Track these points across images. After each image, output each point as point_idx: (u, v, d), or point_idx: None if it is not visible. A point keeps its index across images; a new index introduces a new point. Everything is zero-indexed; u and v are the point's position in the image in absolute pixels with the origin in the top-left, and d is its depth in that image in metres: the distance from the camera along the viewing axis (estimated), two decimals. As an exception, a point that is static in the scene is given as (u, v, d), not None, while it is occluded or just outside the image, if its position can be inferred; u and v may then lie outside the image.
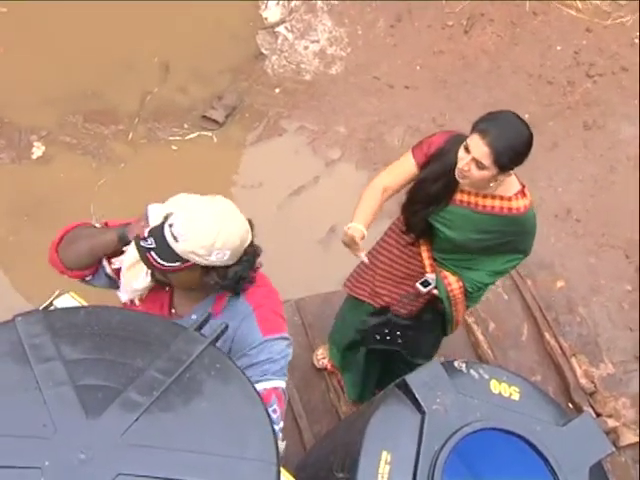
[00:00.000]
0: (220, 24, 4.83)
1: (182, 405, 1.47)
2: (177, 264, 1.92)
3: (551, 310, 3.80)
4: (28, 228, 4.02)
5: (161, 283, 2.07)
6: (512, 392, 2.37)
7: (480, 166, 2.43)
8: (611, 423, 3.47)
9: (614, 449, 2.41)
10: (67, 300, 1.83)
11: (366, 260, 2.68)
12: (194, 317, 2.07)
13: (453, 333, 3.15)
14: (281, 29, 4.95)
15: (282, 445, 2.05)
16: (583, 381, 3.59)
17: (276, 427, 2.06)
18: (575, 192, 4.50)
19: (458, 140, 2.55)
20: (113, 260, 2.11)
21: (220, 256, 1.93)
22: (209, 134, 4.49)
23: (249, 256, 2.03)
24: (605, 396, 3.57)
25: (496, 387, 2.37)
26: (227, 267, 1.98)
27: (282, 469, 1.50)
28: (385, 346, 3.02)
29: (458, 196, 2.64)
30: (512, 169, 2.50)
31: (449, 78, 4.86)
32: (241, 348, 2.06)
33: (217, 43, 4.78)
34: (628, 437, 3.49)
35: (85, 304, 1.87)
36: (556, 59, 5.03)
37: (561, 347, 3.68)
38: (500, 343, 3.70)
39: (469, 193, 2.61)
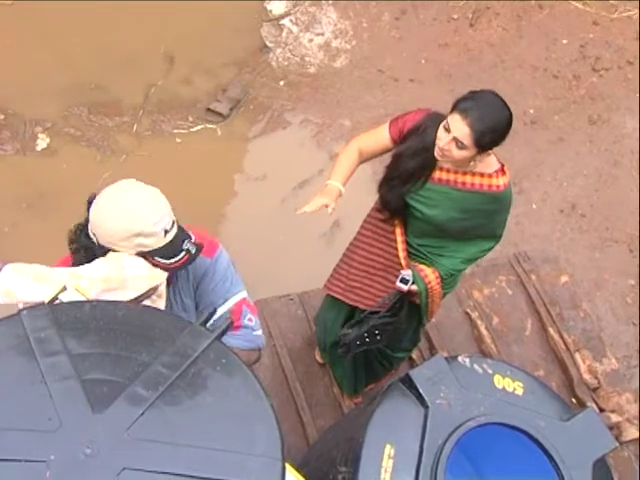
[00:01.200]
0: (225, 17, 4.82)
1: (187, 400, 1.48)
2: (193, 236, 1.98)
3: (555, 305, 3.80)
4: (32, 220, 4.03)
5: None
6: (516, 387, 2.37)
7: (460, 146, 2.42)
8: (614, 418, 3.47)
9: (618, 444, 2.41)
10: (72, 294, 1.83)
11: (330, 212, 2.64)
12: None
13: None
14: (286, 22, 4.94)
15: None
16: (587, 376, 3.59)
17: (257, 332, 2.20)
18: (580, 187, 4.49)
19: (436, 118, 2.54)
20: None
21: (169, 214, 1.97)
22: (213, 127, 4.49)
23: None
24: (608, 391, 3.57)
25: (500, 382, 2.37)
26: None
27: (287, 465, 1.51)
28: (367, 347, 3.00)
29: (437, 174, 2.62)
30: (491, 149, 2.49)
31: (454, 71, 4.84)
32: (198, 278, 2.15)
33: (222, 35, 4.77)
34: (631, 432, 3.49)
35: (90, 298, 1.87)
36: (562, 53, 5.01)
37: (565, 342, 3.68)
38: (504, 338, 3.70)
39: (448, 171, 2.60)
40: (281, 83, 4.70)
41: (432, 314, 2.99)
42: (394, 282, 2.84)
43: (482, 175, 2.58)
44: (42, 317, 1.56)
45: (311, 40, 4.89)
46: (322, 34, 4.93)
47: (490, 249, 2.81)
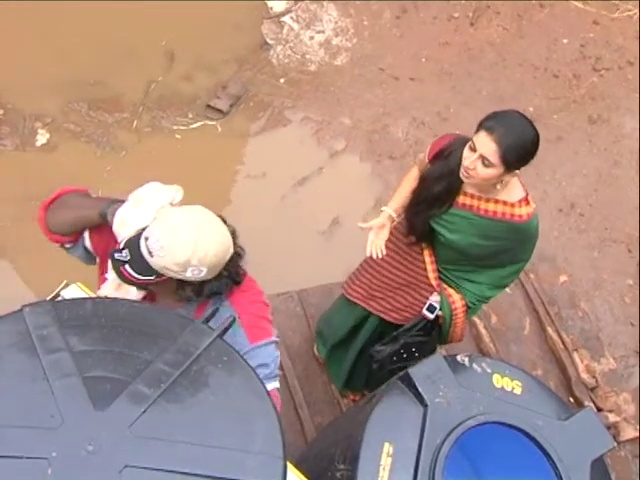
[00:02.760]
0: (225, 13, 4.81)
1: (189, 398, 1.48)
2: (151, 277, 1.90)
3: (553, 304, 3.81)
4: (31, 215, 4.02)
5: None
6: (514, 386, 2.38)
7: (487, 164, 2.41)
8: (612, 418, 3.49)
9: (615, 444, 2.42)
10: (74, 291, 1.84)
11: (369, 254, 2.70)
12: None
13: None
14: (286, 19, 4.93)
15: None
16: (584, 376, 3.60)
17: None
18: (579, 186, 4.50)
19: (461, 141, 2.54)
20: (101, 291, 2.09)
21: (196, 273, 1.89)
22: (213, 123, 4.48)
23: (230, 270, 1.98)
24: (606, 391, 3.58)
25: (498, 381, 2.38)
26: (203, 282, 1.94)
27: (288, 463, 1.51)
28: (405, 364, 3.01)
29: (461, 199, 2.62)
30: (518, 168, 2.48)
31: (454, 70, 4.84)
32: None
33: (222, 32, 4.76)
34: (628, 432, 3.50)
35: (92, 295, 1.87)
36: (562, 52, 5.01)
37: (563, 342, 3.69)
38: (502, 337, 3.71)
39: (472, 196, 2.60)
40: (281, 80, 4.70)
41: (452, 339, 3.00)
42: (417, 298, 2.87)
43: (505, 203, 2.56)
44: (44, 314, 1.56)
45: (312, 38, 4.89)
46: (323, 32, 4.93)
47: (517, 272, 2.81)
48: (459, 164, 2.49)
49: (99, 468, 1.37)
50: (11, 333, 1.54)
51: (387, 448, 2.19)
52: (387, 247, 2.91)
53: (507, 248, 2.67)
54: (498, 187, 2.53)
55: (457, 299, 2.80)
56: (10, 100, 4.39)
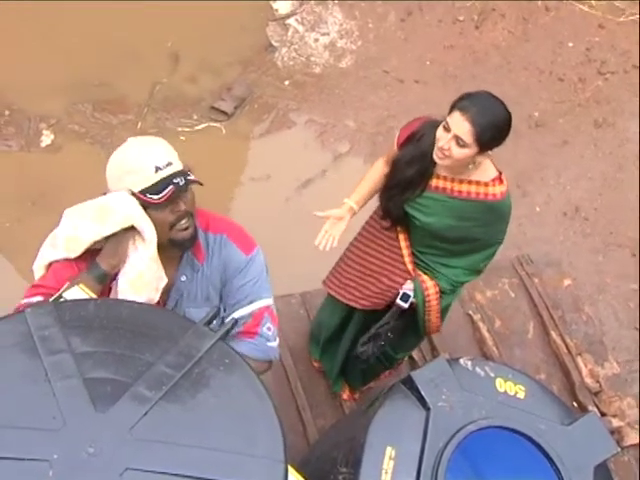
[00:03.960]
0: (230, 15, 4.82)
1: (191, 400, 1.48)
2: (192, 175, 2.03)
3: (557, 308, 3.79)
4: (35, 215, 4.03)
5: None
6: (518, 390, 2.36)
7: (461, 144, 2.41)
8: (616, 423, 3.47)
9: (619, 449, 2.41)
10: (76, 292, 1.84)
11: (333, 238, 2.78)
12: (183, 278, 2.12)
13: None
14: (292, 21, 4.94)
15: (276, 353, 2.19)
16: (588, 380, 3.58)
17: (272, 344, 2.16)
18: (584, 190, 4.49)
19: (432, 124, 2.54)
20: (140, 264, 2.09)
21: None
22: (218, 125, 4.49)
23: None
24: (610, 396, 3.57)
25: (502, 385, 2.36)
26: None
27: (290, 467, 1.51)
28: (383, 349, 3.02)
29: (434, 182, 2.61)
30: (491, 149, 2.48)
31: (459, 73, 4.84)
32: (230, 273, 2.14)
33: (227, 34, 4.77)
34: (632, 437, 3.48)
35: (94, 297, 1.87)
36: (567, 56, 5.01)
37: (567, 346, 3.67)
38: (506, 341, 3.70)
39: (445, 179, 2.59)
40: (286, 83, 4.71)
41: (432, 329, 2.98)
42: (390, 285, 2.84)
43: (478, 183, 2.57)
44: (46, 315, 1.56)
45: (317, 40, 4.90)
46: (328, 34, 4.93)
47: (492, 255, 2.80)
48: (431, 147, 2.49)
49: (100, 470, 1.37)
50: (13, 334, 1.54)
51: (389, 451, 2.18)
52: (362, 235, 2.90)
53: (481, 230, 2.66)
54: (470, 167, 2.53)
55: (430, 285, 2.77)
56: (15, 101, 4.40)
